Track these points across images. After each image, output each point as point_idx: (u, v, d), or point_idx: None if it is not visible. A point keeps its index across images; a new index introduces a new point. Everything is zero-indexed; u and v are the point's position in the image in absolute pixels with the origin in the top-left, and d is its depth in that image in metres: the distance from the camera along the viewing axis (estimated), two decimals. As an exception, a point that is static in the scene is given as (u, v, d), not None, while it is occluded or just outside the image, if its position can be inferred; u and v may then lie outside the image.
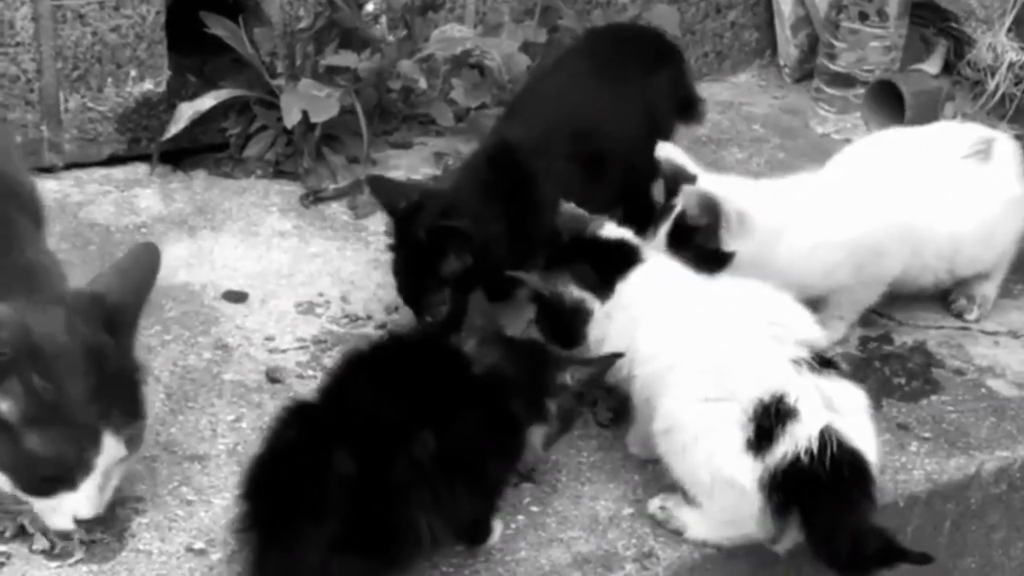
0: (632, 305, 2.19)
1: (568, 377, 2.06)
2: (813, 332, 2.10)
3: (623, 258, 2.24)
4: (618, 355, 2.12)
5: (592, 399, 2.31)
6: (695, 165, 2.47)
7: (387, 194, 2.51)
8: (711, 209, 2.35)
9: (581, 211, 2.30)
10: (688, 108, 2.90)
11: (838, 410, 1.99)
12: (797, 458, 1.94)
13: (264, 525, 1.85)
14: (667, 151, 2.48)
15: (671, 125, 2.82)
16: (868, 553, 1.95)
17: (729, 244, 2.36)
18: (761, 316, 2.09)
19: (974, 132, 2.65)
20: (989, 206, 2.59)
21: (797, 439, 1.94)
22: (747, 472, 1.97)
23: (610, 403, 2.34)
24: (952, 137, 2.64)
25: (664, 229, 2.42)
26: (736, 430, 1.98)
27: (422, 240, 2.39)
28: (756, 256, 2.37)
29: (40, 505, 1.93)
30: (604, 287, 2.21)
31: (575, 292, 2.21)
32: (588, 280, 2.21)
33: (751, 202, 2.40)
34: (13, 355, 1.82)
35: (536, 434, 2.05)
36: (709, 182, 2.43)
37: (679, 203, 2.40)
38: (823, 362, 2.04)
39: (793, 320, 2.10)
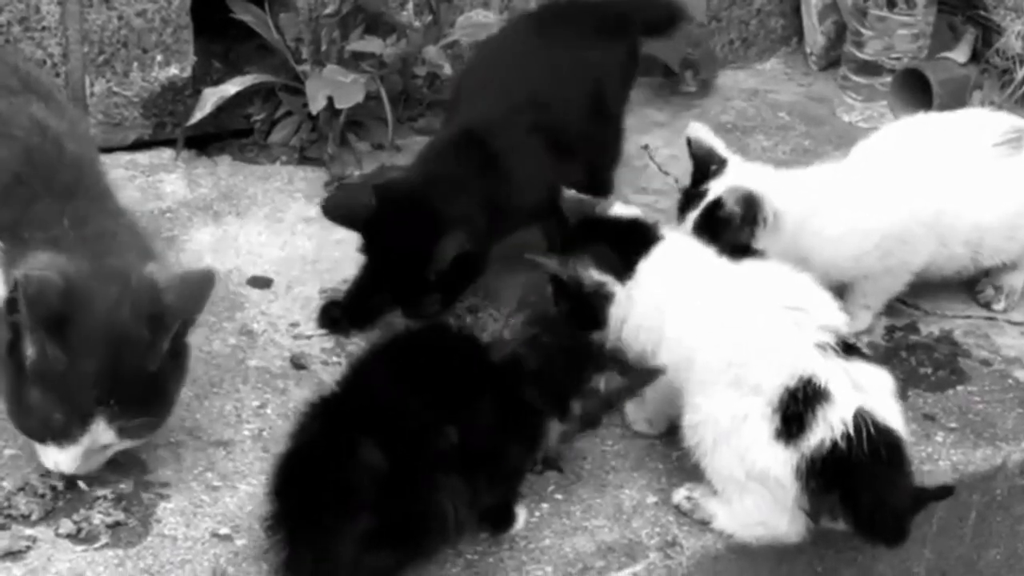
0: (655, 284, 2.18)
1: (602, 383, 2.05)
2: (835, 316, 2.09)
3: (641, 237, 2.22)
4: (659, 371, 2.11)
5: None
6: (724, 147, 2.47)
7: (344, 210, 2.39)
8: (751, 208, 2.34)
9: (584, 195, 2.29)
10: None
11: (866, 391, 1.99)
12: (835, 445, 1.94)
13: (294, 523, 1.84)
14: (696, 131, 2.46)
15: (621, 98, 2.77)
16: (909, 523, 1.98)
17: (761, 241, 2.36)
18: (782, 301, 2.09)
19: (1007, 121, 2.63)
20: (1016, 196, 2.57)
21: (832, 424, 1.94)
22: (781, 462, 1.97)
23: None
24: (984, 124, 2.62)
25: (692, 216, 2.41)
26: (763, 422, 1.98)
27: (415, 250, 2.29)
28: (782, 245, 2.37)
29: (32, 442, 2.01)
30: (625, 268, 2.18)
31: (595, 275, 2.17)
32: (608, 262, 2.18)
33: (781, 195, 2.39)
34: (43, 315, 1.87)
35: (554, 429, 2.06)
36: (742, 171, 2.43)
37: (712, 192, 2.40)
38: (846, 347, 2.03)
39: (815, 304, 2.10)
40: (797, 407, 1.96)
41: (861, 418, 1.95)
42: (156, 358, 1.95)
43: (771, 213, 2.35)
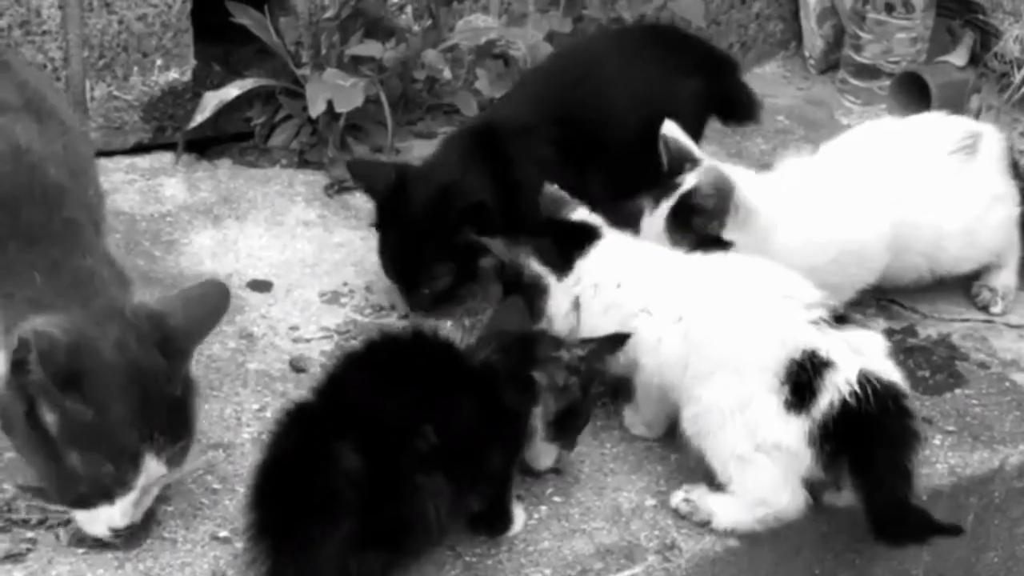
0: (600, 285, 2.22)
1: (564, 353, 2.04)
2: (813, 292, 2.11)
3: (582, 236, 2.26)
4: (625, 336, 2.12)
5: (611, 389, 2.32)
6: (697, 149, 2.46)
7: (367, 176, 2.56)
8: (723, 193, 2.35)
9: (563, 193, 2.32)
10: (737, 109, 2.87)
11: (865, 354, 2.04)
12: (844, 403, 1.98)
13: (276, 533, 1.83)
14: (670, 129, 2.44)
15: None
16: (914, 507, 2.03)
17: (730, 233, 2.36)
18: (764, 287, 2.12)
19: (961, 126, 2.64)
20: (973, 204, 2.58)
21: (839, 386, 1.99)
22: (794, 432, 2.00)
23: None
24: (938, 131, 2.62)
25: (667, 206, 2.40)
26: (771, 396, 2.01)
27: (433, 213, 2.44)
28: (750, 247, 2.35)
29: (78, 514, 1.94)
30: (562, 264, 2.24)
31: (534, 266, 2.24)
32: (548, 256, 2.24)
33: (756, 194, 2.40)
34: (53, 374, 1.81)
35: (538, 422, 2.05)
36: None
37: (688, 181, 2.39)
38: (838, 318, 2.07)
39: (793, 286, 2.12)
40: (805, 376, 2.00)
41: (865, 378, 1.99)
42: (179, 382, 1.93)
43: (742, 204, 2.35)
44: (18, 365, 1.84)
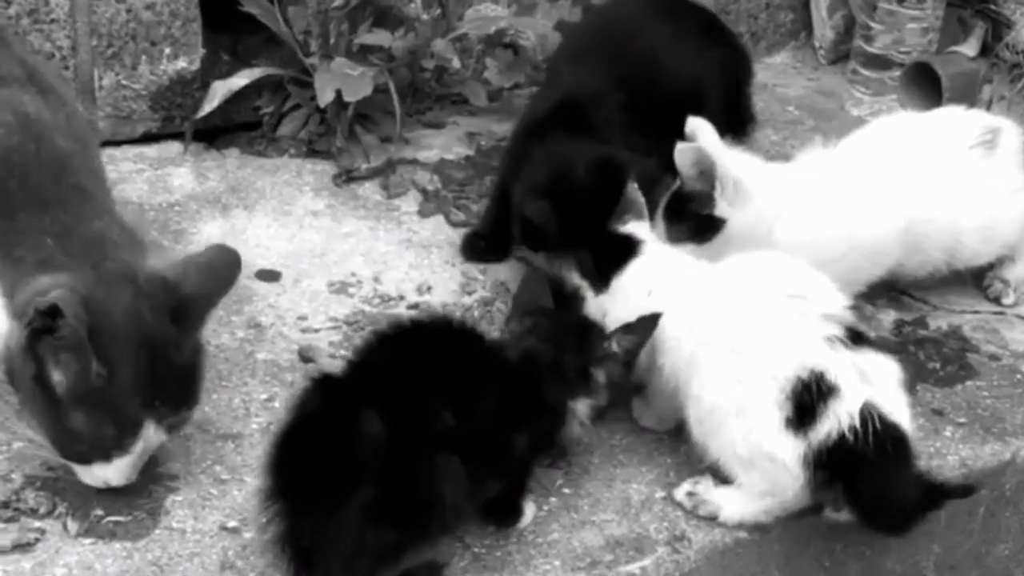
0: (630, 296, 2.21)
1: (614, 344, 2.07)
2: (835, 300, 2.10)
3: (623, 252, 2.26)
4: (659, 315, 2.12)
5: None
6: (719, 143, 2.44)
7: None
8: (705, 169, 2.35)
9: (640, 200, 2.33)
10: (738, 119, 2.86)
11: (873, 383, 2.01)
12: (842, 436, 1.96)
13: (296, 494, 1.83)
14: (696, 124, 2.41)
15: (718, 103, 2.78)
16: (913, 515, 2.04)
17: (723, 210, 2.37)
18: (782, 291, 2.10)
19: (979, 120, 2.63)
20: (992, 199, 2.57)
21: (840, 417, 1.96)
22: (788, 450, 1.99)
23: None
24: (957, 126, 2.61)
25: (664, 201, 2.42)
26: (774, 408, 1.99)
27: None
28: (753, 237, 2.36)
29: (74, 467, 1.99)
30: (599, 281, 2.24)
31: (574, 279, 2.26)
32: (587, 270, 2.25)
33: (754, 176, 2.39)
34: (74, 334, 1.84)
35: (581, 407, 2.06)
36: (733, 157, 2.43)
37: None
38: (854, 336, 2.05)
39: (814, 291, 2.10)
40: (808, 398, 1.98)
41: (868, 412, 1.97)
42: (189, 350, 1.96)
43: (729, 177, 2.36)
44: (33, 335, 1.86)
